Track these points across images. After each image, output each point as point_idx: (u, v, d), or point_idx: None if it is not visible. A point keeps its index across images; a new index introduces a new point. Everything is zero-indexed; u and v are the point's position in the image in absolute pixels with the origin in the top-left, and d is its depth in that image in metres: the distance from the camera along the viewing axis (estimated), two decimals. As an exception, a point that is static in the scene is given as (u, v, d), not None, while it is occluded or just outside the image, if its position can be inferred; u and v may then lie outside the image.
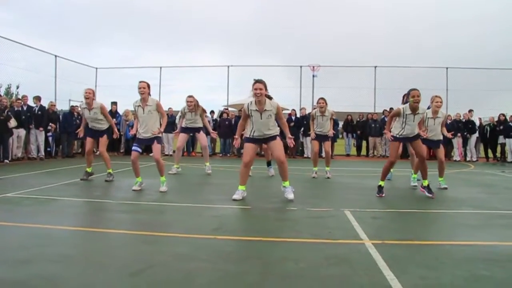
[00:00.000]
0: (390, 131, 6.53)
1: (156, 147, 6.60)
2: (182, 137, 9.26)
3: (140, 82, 6.51)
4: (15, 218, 4.55)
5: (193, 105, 8.90)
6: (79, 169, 9.84)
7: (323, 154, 9.48)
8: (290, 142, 5.99)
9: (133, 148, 6.61)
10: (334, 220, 4.78)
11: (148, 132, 6.54)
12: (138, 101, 6.56)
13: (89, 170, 7.75)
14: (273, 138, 5.97)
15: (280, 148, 6.00)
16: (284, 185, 6.01)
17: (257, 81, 5.75)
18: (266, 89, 5.77)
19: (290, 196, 5.86)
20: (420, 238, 4.05)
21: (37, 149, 12.46)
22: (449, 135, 7.80)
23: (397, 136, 6.42)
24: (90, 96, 7.48)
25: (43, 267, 3.04)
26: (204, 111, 9.38)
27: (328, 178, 8.69)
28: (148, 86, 6.56)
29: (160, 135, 6.67)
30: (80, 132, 7.85)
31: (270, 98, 5.95)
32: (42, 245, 3.55)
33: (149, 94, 6.57)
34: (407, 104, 6.25)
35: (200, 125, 9.15)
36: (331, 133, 8.87)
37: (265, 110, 5.77)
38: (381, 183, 6.52)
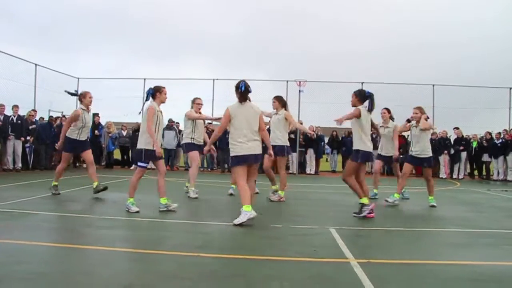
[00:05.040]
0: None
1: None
2: (197, 155, 7.90)
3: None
4: (-13, 233, 4.37)
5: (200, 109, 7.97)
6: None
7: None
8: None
9: (143, 165, 6.01)
10: (319, 238, 4.72)
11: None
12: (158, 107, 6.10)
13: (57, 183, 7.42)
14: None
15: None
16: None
17: None
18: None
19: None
20: (405, 257, 4.02)
21: (13, 160, 12.09)
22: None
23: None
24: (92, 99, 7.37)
25: (16, 286, 2.91)
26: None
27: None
28: None
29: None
30: (60, 145, 7.34)
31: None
32: (14, 262, 3.40)
33: None
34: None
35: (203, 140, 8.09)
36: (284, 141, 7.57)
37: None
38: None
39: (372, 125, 6.56)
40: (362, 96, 6.03)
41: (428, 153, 7.25)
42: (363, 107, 5.99)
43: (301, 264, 3.65)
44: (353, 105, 6.03)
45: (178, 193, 7.64)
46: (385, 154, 8.12)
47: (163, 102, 6.08)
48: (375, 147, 7.58)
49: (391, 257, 3.98)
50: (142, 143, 5.89)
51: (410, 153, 7.42)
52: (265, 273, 3.37)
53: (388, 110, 8.04)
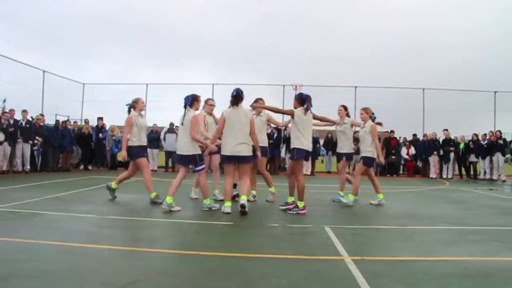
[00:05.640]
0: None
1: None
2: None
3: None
4: (-4, 233, 4.45)
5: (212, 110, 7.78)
6: (64, 183, 9.77)
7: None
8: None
9: (202, 167, 6.47)
10: (315, 236, 4.85)
11: None
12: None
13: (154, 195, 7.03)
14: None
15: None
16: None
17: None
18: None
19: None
20: (398, 254, 4.15)
21: (22, 162, 12.28)
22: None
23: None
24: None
25: (22, 283, 3.00)
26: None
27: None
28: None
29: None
30: (124, 154, 7.01)
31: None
32: (22, 260, 3.50)
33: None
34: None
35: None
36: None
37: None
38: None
39: (327, 120, 7.57)
40: (300, 99, 6.51)
41: (370, 153, 7.49)
42: (301, 109, 6.37)
43: (297, 262, 3.76)
44: (295, 107, 6.47)
45: (179, 194, 7.72)
46: (346, 152, 7.96)
47: (197, 109, 6.61)
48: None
49: (384, 254, 4.11)
50: (191, 149, 6.28)
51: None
52: (262, 270, 3.47)
53: (345, 108, 8.10)
